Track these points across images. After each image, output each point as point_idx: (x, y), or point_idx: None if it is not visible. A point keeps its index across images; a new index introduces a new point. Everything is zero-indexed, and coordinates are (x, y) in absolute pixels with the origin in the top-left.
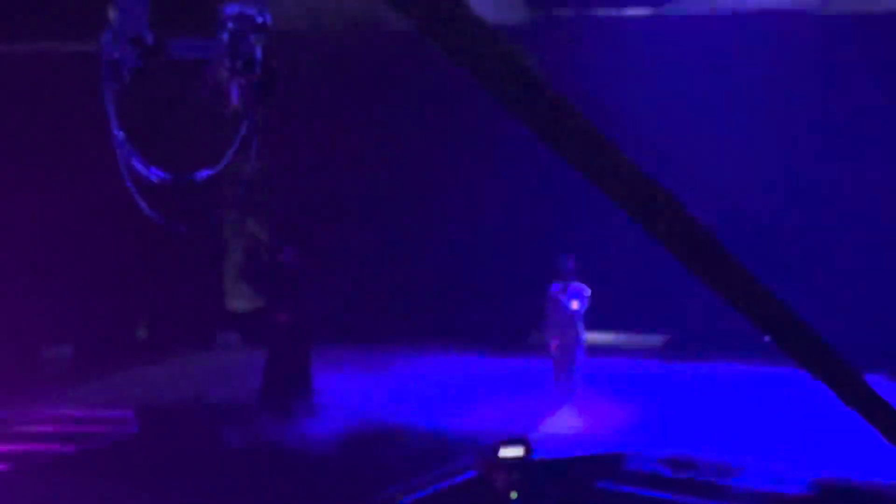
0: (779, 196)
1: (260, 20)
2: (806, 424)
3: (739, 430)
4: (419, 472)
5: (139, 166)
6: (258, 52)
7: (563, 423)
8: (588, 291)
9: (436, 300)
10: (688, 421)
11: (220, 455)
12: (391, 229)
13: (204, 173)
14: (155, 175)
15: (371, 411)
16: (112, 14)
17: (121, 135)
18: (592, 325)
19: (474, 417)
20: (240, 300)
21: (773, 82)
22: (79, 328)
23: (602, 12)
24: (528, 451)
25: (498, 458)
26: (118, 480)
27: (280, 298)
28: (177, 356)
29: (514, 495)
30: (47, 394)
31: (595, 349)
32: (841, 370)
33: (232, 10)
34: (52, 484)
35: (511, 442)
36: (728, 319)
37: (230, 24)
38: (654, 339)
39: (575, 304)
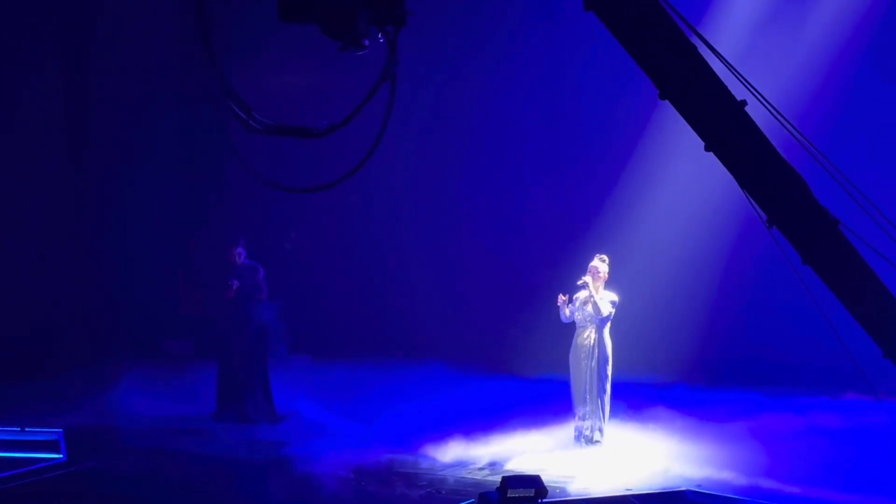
0: None
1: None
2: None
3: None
4: None
5: (240, 112)
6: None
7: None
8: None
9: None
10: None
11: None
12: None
13: (323, 123)
14: (259, 122)
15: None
16: None
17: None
18: None
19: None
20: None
21: None
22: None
23: None
24: (539, 492)
25: (506, 499)
26: None
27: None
28: (117, 367)
29: None
30: None
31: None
32: None
33: None
34: None
35: (521, 481)
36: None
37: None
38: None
39: (567, 311)
